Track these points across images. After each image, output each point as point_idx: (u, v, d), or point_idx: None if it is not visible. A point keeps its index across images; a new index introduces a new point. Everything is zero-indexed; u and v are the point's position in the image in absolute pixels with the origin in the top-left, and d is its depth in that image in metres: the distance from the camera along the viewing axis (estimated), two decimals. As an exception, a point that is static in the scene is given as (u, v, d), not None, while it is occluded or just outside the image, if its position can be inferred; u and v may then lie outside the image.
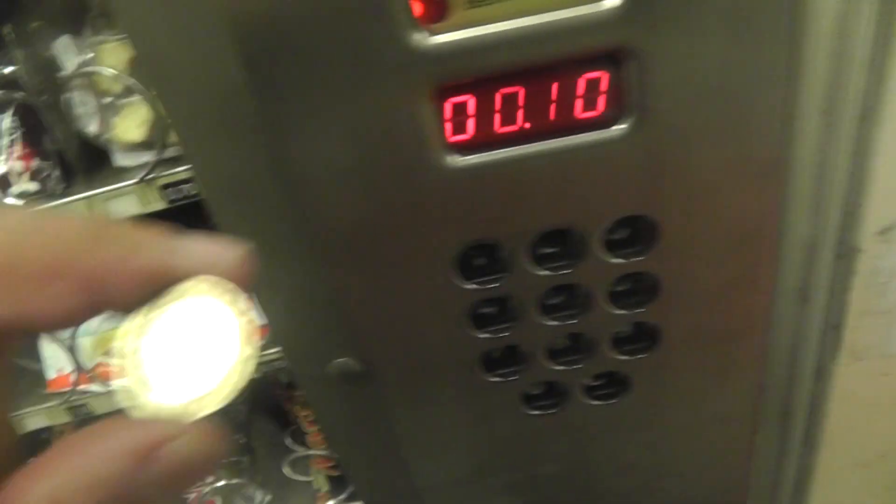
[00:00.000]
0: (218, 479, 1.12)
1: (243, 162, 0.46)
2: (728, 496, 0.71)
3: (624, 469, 0.66)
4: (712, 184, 0.45)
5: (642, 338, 0.55)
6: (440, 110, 0.41)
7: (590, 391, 0.58)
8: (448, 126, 0.41)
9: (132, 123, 0.78)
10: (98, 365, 1.01)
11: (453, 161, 0.42)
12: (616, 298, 0.52)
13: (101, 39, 0.75)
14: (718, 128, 0.43)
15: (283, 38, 0.38)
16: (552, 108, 0.41)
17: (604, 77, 0.40)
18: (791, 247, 0.60)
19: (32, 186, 0.83)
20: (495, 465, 0.64)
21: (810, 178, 0.55)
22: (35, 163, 0.86)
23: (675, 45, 0.39)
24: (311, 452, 1.11)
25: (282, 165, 0.43)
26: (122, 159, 0.83)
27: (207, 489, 1.12)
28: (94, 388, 1.00)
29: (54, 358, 1.03)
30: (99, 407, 1.02)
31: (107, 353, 1.01)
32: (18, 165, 0.84)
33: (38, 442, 1.05)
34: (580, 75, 0.40)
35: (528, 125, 0.42)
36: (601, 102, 0.41)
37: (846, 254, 0.58)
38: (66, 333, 0.97)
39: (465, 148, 0.42)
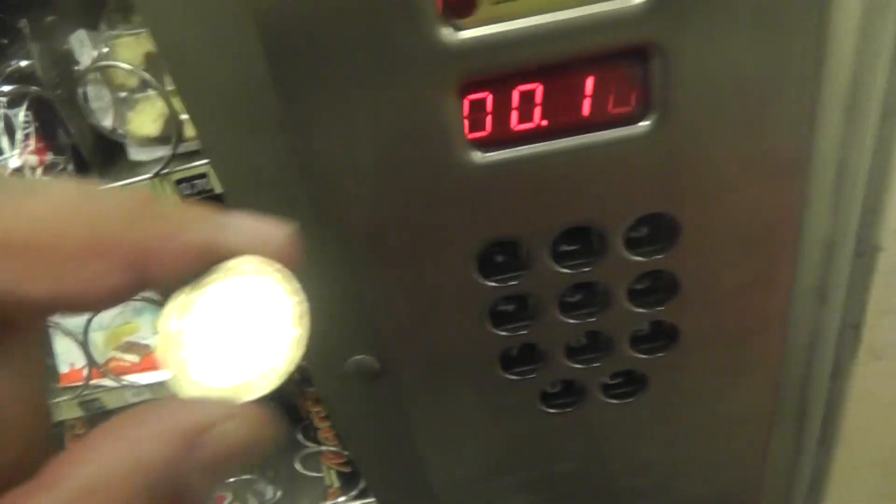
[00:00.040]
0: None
1: (264, 157, 0.46)
2: (743, 495, 0.71)
3: (640, 468, 0.65)
4: (734, 181, 0.45)
5: (660, 336, 0.55)
6: (464, 106, 0.40)
7: (607, 390, 0.58)
8: (470, 122, 0.41)
9: (147, 118, 0.78)
10: (110, 359, 1.02)
11: (475, 158, 0.42)
12: (635, 297, 0.51)
13: (116, 34, 0.75)
14: (742, 125, 0.42)
15: (307, 32, 0.37)
16: (576, 104, 0.41)
17: (629, 73, 0.40)
18: (810, 245, 0.59)
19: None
20: (511, 463, 0.63)
21: (830, 175, 0.55)
22: (49, 157, 0.86)
23: (702, 40, 0.38)
24: (323, 448, 1.11)
25: (303, 161, 0.43)
26: (136, 154, 0.83)
27: (218, 484, 1.12)
28: (107, 382, 1.00)
29: (66, 352, 1.03)
30: (111, 401, 1.02)
31: (119, 348, 1.01)
32: (33, 159, 0.85)
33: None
34: (605, 71, 0.40)
35: (550, 121, 0.41)
36: (625, 99, 0.41)
37: (866, 252, 0.58)
38: (79, 328, 0.98)
39: (487, 144, 0.42)
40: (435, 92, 0.39)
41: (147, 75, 0.74)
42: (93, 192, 0.21)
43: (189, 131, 0.76)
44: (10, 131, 0.85)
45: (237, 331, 0.23)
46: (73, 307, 0.21)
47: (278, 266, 0.23)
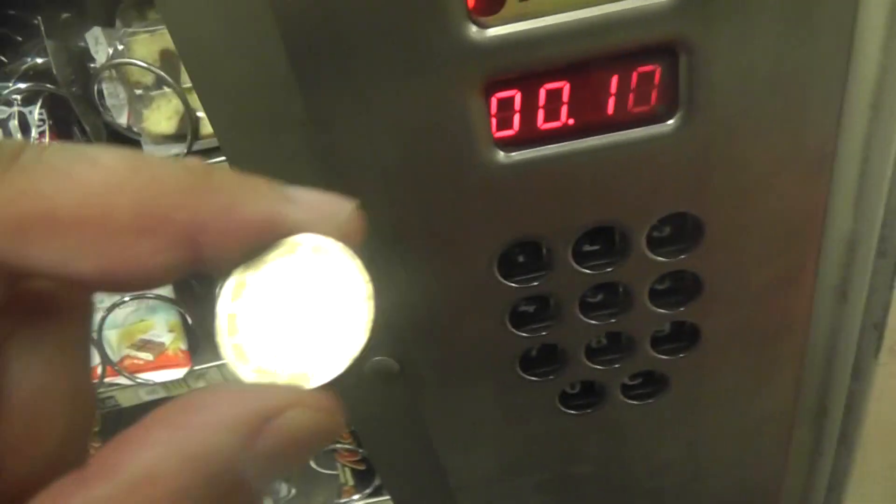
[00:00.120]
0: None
1: (283, 155, 0.45)
2: (762, 496, 0.70)
3: (659, 469, 0.65)
4: (760, 180, 0.44)
5: (681, 337, 0.55)
6: (489, 105, 0.40)
7: (627, 390, 0.58)
8: (495, 121, 0.41)
9: (162, 116, 0.78)
10: (125, 357, 1.02)
11: (500, 157, 0.42)
12: (656, 297, 0.51)
13: (132, 31, 0.75)
14: (769, 122, 0.42)
15: (330, 29, 0.37)
16: (601, 102, 0.40)
17: (656, 71, 0.39)
18: (832, 244, 0.58)
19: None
20: (529, 463, 0.63)
21: (854, 173, 0.54)
22: (64, 155, 0.86)
23: (730, 37, 0.38)
24: (337, 446, 1.11)
25: (325, 159, 0.42)
26: (152, 151, 0.82)
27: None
28: (121, 380, 1.00)
29: (81, 350, 1.03)
30: (125, 399, 1.02)
31: (133, 346, 1.01)
32: (48, 157, 0.84)
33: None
34: (632, 69, 0.39)
35: (576, 120, 0.41)
36: (652, 97, 0.40)
37: (888, 251, 0.57)
38: (92, 326, 0.98)
39: (512, 143, 0.42)
40: (461, 90, 0.39)
41: (162, 73, 0.74)
42: (144, 162, 0.19)
43: (205, 129, 0.76)
44: (25, 129, 0.85)
45: (300, 312, 0.21)
46: (122, 286, 0.19)
47: (341, 244, 0.21)
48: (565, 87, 0.40)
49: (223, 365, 1.00)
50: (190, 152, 0.77)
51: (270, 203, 0.21)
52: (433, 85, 0.39)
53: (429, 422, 0.58)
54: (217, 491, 0.17)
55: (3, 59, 0.87)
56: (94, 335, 0.98)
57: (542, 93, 0.40)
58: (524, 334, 0.51)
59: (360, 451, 1.08)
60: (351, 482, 1.14)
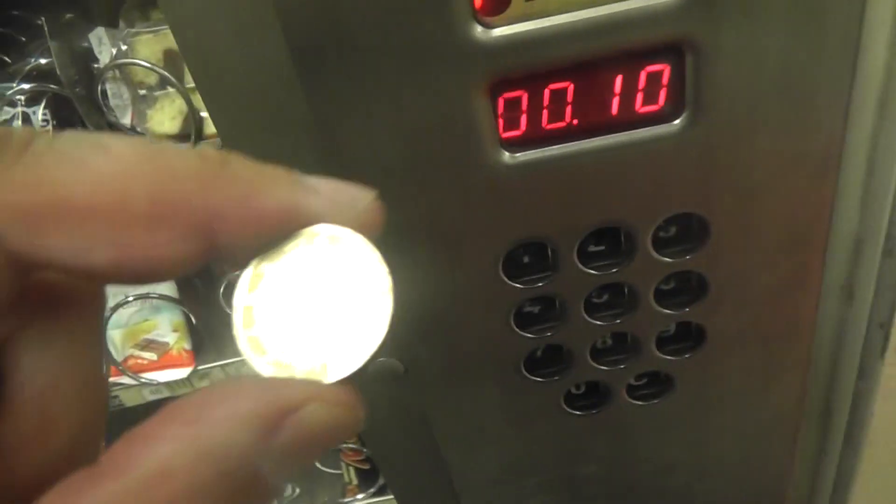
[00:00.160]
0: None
1: (287, 156, 0.45)
2: (768, 496, 0.70)
3: (664, 469, 0.65)
4: (766, 180, 0.44)
5: (687, 337, 0.54)
6: (494, 105, 0.40)
7: (632, 391, 0.58)
8: (501, 122, 0.40)
9: (166, 116, 0.78)
10: (129, 357, 1.02)
11: (506, 158, 0.41)
12: (662, 297, 0.51)
13: (135, 31, 0.75)
14: (776, 122, 0.41)
15: (334, 29, 0.37)
16: (607, 103, 0.40)
17: (663, 71, 0.39)
18: (837, 243, 0.58)
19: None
20: (534, 464, 0.63)
21: (860, 172, 0.54)
22: (68, 155, 0.86)
23: (737, 36, 0.38)
24: (341, 445, 1.11)
25: (329, 160, 0.42)
26: (154, 152, 0.82)
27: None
28: (125, 380, 1.01)
29: (85, 350, 1.03)
30: (129, 399, 1.03)
31: (137, 346, 1.01)
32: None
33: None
34: (638, 69, 0.39)
35: (581, 121, 0.41)
36: (659, 97, 0.40)
37: (895, 250, 0.57)
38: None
39: (518, 144, 0.41)
40: (466, 91, 0.39)
41: (166, 73, 0.74)
42: (159, 150, 0.19)
43: (208, 129, 0.76)
44: (29, 129, 0.85)
45: (318, 304, 0.20)
46: (135, 277, 0.19)
47: (360, 235, 0.21)
48: (571, 87, 0.39)
49: (227, 365, 1.01)
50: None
51: (288, 192, 0.20)
52: (438, 85, 0.38)
53: (433, 422, 0.58)
54: (233, 487, 0.17)
55: (6, 59, 0.87)
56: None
57: (549, 93, 0.40)
58: (529, 335, 0.51)
59: (364, 450, 1.08)
60: (355, 481, 1.14)
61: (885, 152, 0.52)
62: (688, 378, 0.56)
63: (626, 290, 0.51)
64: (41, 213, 0.17)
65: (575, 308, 0.50)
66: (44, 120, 0.85)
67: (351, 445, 1.09)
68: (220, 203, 0.19)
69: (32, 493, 0.17)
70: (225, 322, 0.95)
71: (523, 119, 0.40)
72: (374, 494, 1.12)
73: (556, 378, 0.55)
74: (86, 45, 0.80)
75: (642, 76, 0.39)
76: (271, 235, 0.20)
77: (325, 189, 0.21)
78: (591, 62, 0.39)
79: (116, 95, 0.80)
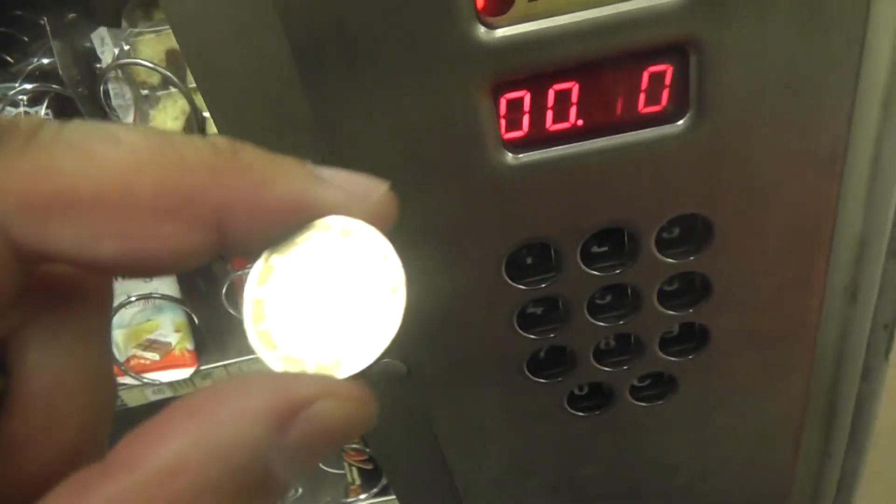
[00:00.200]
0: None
1: (289, 155, 0.45)
2: (772, 497, 0.70)
3: (667, 470, 0.65)
4: (771, 181, 0.44)
5: (690, 338, 0.54)
6: (497, 106, 0.39)
7: (635, 392, 0.57)
8: (504, 122, 0.40)
9: (168, 116, 0.78)
10: (131, 357, 1.02)
11: (509, 158, 0.41)
12: (665, 298, 0.50)
13: (138, 31, 0.75)
14: (781, 122, 0.41)
15: (336, 29, 0.37)
16: (610, 103, 0.40)
17: (667, 71, 0.39)
18: (842, 244, 0.58)
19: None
20: (536, 465, 0.63)
21: (864, 173, 0.54)
22: (70, 155, 0.86)
23: (742, 36, 0.37)
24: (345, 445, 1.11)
25: (332, 160, 0.42)
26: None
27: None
28: (128, 380, 1.01)
29: (88, 350, 1.03)
30: (132, 399, 1.03)
31: (140, 346, 1.01)
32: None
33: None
34: (642, 69, 0.39)
35: (585, 121, 0.41)
36: (663, 98, 0.40)
37: (899, 251, 0.57)
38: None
39: (520, 145, 0.41)
40: (469, 91, 0.39)
41: (168, 73, 0.74)
42: (169, 140, 0.18)
43: (211, 129, 0.76)
44: (31, 129, 0.85)
45: (329, 298, 0.20)
46: (144, 269, 0.19)
47: (373, 228, 0.20)
48: (575, 88, 0.39)
49: (230, 365, 1.01)
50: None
51: (300, 183, 0.20)
52: (441, 86, 0.38)
53: (436, 423, 0.58)
54: (243, 484, 0.17)
55: (9, 59, 0.87)
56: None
57: (552, 94, 0.39)
58: (532, 336, 0.51)
59: (368, 450, 1.08)
60: (358, 481, 1.14)
61: (890, 153, 0.52)
62: (691, 379, 0.56)
63: (629, 291, 0.50)
64: (46, 202, 0.17)
65: (578, 309, 0.50)
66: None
67: (354, 445, 1.09)
68: (229, 194, 0.18)
69: (39, 490, 0.16)
70: (227, 322, 0.95)
71: (525, 120, 0.40)
72: (377, 495, 1.12)
73: (559, 379, 0.55)
74: (88, 44, 0.80)
75: (646, 76, 0.39)
76: (282, 227, 0.20)
77: (338, 180, 0.20)
78: (594, 63, 0.39)
79: (119, 95, 0.80)
